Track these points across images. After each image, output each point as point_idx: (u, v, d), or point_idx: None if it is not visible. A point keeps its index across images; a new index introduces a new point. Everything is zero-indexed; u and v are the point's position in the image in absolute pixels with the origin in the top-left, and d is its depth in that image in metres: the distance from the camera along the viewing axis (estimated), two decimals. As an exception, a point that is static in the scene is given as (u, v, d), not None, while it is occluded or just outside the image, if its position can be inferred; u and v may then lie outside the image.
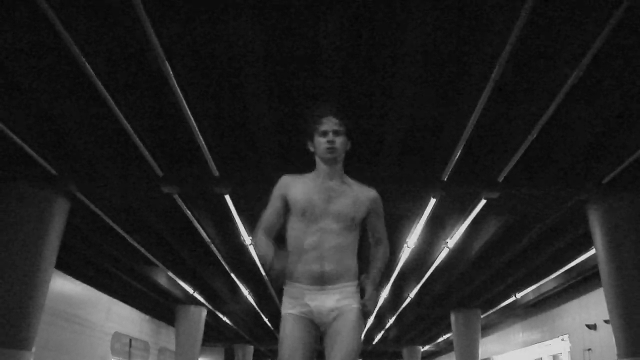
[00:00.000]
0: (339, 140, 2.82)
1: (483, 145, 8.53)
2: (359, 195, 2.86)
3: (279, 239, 2.88)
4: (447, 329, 23.74)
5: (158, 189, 9.11)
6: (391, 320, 23.71)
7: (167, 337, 22.76)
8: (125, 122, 7.55)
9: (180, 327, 19.78)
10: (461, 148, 8.10)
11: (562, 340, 19.40)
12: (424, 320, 23.96)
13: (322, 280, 2.72)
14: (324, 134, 2.82)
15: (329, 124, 2.83)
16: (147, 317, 20.90)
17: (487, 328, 25.90)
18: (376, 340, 30.78)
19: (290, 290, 2.77)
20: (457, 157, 8.33)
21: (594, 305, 16.37)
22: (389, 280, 16.28)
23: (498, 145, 8.52)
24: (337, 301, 2.73)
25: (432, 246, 13.01)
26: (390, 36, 6.29)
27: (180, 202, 9.46)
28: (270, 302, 18.86)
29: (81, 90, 7.11)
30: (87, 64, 6.21)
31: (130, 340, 18.39)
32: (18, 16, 5.92)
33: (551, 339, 20.58)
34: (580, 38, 6.02)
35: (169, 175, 8.92)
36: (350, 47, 6.43)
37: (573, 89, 6.68)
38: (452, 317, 20.93)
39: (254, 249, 3.06)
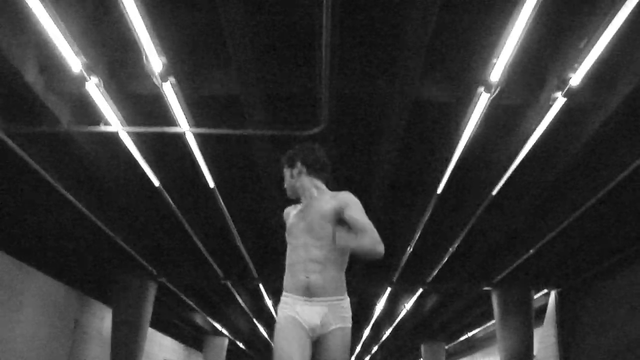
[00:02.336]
0: (288, 181, 3.19)
1: (417, 259, 14.05)
2: (323, 205, 3.00)
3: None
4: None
5: (218, 280, 14.72)
6: (375, 348, 29.34)
7: (196, 360, 28.47)
8: (200, 244, 12.85)
9: (208, 353, 25.31)
10: (403, 262, 13.62)
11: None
12: (403, 348, 29.59)
13: (308, 292, 2.86)
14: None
15: (282, 171, 3.23)
16: (183, 345, 26.55)
17: (457, 354, 31.48)
18: (366, 361, 36.48)
19: (284, 299, 2.96)
20: (401, 267, 13.88)
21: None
22: (368, 323, 21.86)
23: (427, 257, 14.05)
24: (325, 316, 2.83)
25: (395, 307, 18.68)
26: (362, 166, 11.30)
27: (232, 288, 15.11)
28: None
29: (171, 225, 12.22)
30: (183, 220, 11.64)
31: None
32: (136, 188, 11.27)
33: (501, 365, 26.09)
34: (466, 208, 11.35)
35: (225, 274, 14.53)
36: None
37: (476, 225, 11.81)
38: (422, 348, 26.50)
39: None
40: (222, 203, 9.66)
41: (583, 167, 8.59)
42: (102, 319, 16.65)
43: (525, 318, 15.26)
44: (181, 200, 10.12)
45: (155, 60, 6.05)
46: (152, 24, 5.64)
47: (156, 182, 8.90)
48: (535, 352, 16.65)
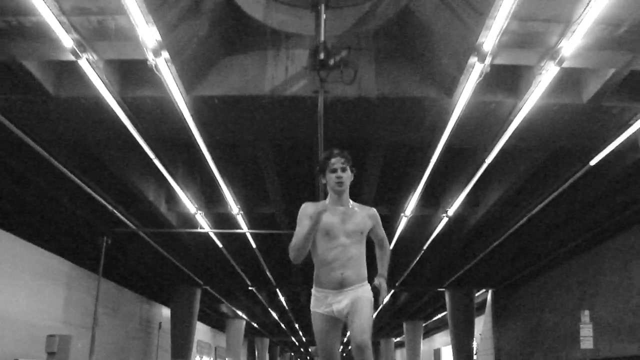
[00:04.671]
0: (345, 175, 3.56)
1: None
2: (363, 215, 3.60)
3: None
4: (406, 330, 35.70)
5: (247, 287, 20.53)
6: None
7: (220, 339, 34.60)
8: (233, 262, 18.57)
9: (229, 334, 31.33)
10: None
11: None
12: (389, 325, 35.78)
13: (341, 285, 3.44)
14: (334, 170, 3.55)
15: (337, 163, 3.55)
16: (209, 327, 32.66)
17: (436, 329, 37.69)
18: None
19: (316, 294, 3.53)
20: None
21: (479, 324, 27.95)
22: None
23: (395, 268, 19.75)
24: (352, 296, 3.43)
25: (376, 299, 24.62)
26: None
27: (256, 292, 20.98)
28: (286, 316, 30.65)
29: (213, 251, 18.03)
30: (234, 263, 17.37)
31: (216, 348, 30.03)
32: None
33: (468, 339, 32.21)
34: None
35: (253, 283, 20.31)
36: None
37: (426, 252, 17.63)
38: (404, 325, 32.66)
39: (294, 247, 3.52)
40: (260, 255, 15.45)
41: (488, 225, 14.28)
42: (161, 316, 22.56)
43: (468, 310, 21.14)
44: (234, 254, 15.93)
45: (232, 204, 11.70)
46: (229, 181, 11.23)
47: (220, 245, 14.66)
48: (480, 333, 22.69)
